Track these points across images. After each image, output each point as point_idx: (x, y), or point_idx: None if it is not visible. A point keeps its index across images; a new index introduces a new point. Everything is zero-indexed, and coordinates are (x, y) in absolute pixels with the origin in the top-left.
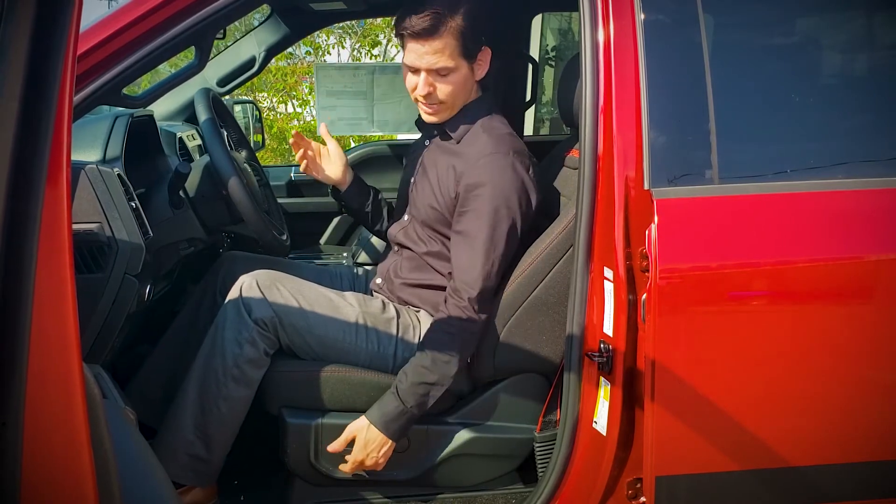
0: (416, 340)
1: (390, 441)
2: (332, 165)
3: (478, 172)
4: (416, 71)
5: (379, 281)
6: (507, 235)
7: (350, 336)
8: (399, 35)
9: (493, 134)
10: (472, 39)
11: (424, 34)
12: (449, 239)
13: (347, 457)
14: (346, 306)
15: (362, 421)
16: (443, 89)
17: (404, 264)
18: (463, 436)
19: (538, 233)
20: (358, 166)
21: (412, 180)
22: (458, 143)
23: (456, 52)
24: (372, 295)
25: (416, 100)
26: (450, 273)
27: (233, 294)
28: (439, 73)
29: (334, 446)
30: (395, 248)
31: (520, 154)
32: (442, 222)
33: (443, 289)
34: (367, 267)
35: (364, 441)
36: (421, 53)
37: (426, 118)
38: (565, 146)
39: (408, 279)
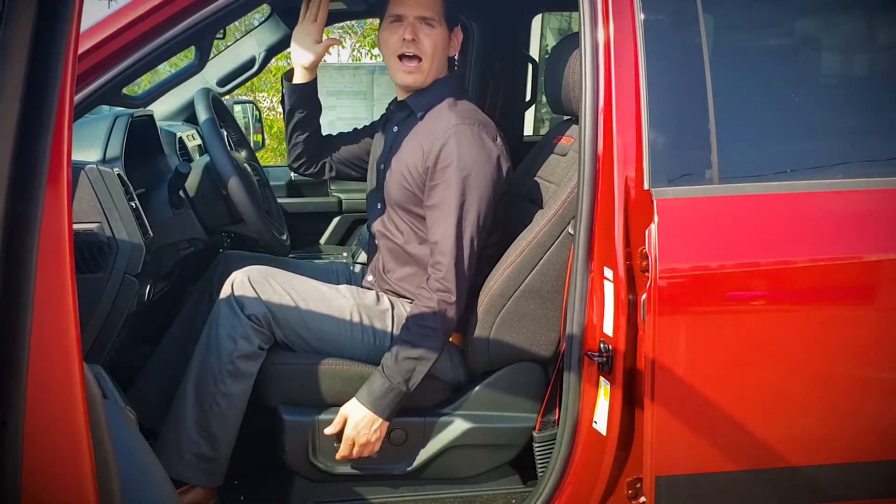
0: None
1: (380, 419)
2: (310, 43)
3: (444, 144)
4: (400, 20)
5: (370, 278)
6: (479, 203)
7: (345, 330)
8: None
9: (458, 109)
10: (453, 8)
11: None
12: (424, 220)
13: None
14: (340, 299)
15: (353, 402)
16: (426, 41)
17: (388, 257)
18: (460, 426)
19: (526, 218)
20: None
21: (382, 167)
22: (422, 118)
23: (440, 11)
24: None
25: (399, 55)
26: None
27: (225, 291)
28: (426, 21)
29: (330, 429)
30: (378, 241)
31: (485, 125)
32: (414, 202)
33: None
34: (364, 264)
35: (354, 421)
36: (413, 1)
37: (404, 77)
38: (555, 133)
39: (396, 277)
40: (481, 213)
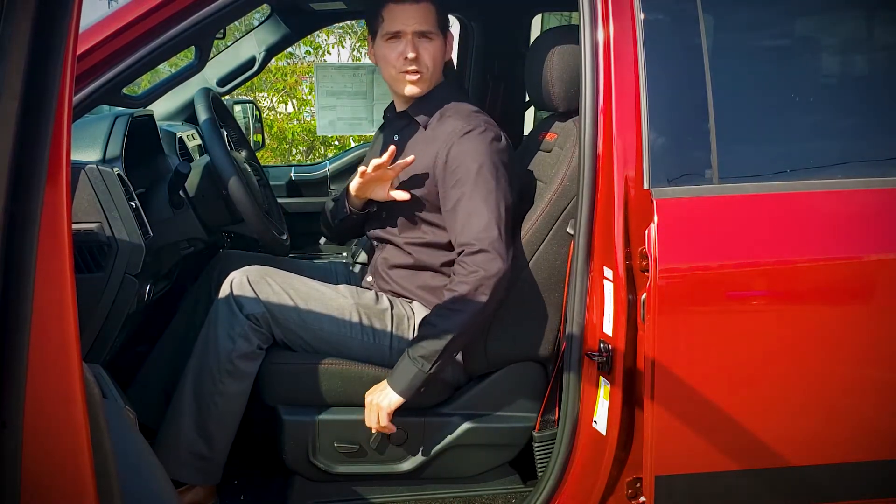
0: (411, 332)
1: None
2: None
3: (450, 148)
4: (399, 36)
5: (369, 279)
6: (499, 186)
7: (344, 329)
8: (381, 4)
9: (461, 114)
10: (444, 15)
11: None
12: (435, 226)
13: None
14: (339, 298)
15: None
16: (426, 55)
17: (390, 258)
18: (460, 426)
19: (516, 216)
20: (357, 167)
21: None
22: (425, 128)
23: (435, 22)
24: None
25: (401, 71)
26: (442, 264)
27: (223, 291)
28: (425, 35)
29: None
30: (377, 244)
31: (489, 124)
32: (423, 208)
33: (430, 269)
34: (364, 264)
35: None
36: (408, 15)
37: (409, 89)
38: (540, 129)
39: (397, 277)
40: (503, 193)
